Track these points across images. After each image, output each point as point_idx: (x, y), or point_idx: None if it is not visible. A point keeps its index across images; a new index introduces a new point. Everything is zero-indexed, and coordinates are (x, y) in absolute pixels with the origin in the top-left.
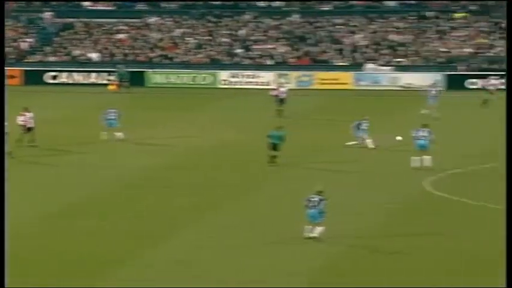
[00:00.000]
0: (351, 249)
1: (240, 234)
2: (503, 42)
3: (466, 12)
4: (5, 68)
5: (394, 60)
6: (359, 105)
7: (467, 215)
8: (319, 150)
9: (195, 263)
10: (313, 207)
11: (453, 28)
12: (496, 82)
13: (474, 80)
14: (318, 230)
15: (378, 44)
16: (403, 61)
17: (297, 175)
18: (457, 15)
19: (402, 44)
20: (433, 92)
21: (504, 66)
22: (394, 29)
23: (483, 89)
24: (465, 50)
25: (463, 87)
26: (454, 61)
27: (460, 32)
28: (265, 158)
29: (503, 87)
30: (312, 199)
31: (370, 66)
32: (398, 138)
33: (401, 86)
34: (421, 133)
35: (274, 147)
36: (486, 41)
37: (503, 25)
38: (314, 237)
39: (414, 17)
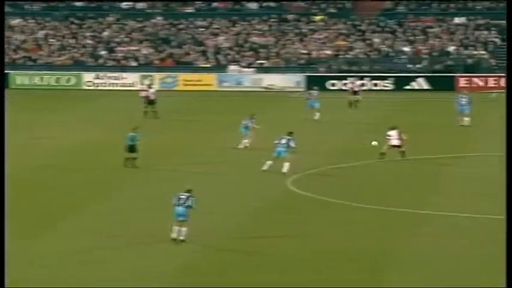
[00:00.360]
0: (213, 249)
1: (99, 236)
2: (362, 44)
3: (325, 15)
4: None
5: (257, 62)
6: (223, 106)
7: (330, 214)
8: (182, 152)
9: (56, 267)
10: (181, 205)
11: (313, 30)
12: (360, 83)
13: (334, 81)
14: (183, 232)
15: (240, 46)
16: (265, 63)
17: (160, 177)
18: (316, 18)
19: (264, 46)
20: (315, 94)
21: (364, 67)
22: (256, 32)
23: (350, 90)
24: (325, 51)
25: (324, 88)
26: (314, 63)
27: (320, 34)
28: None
29: (366, 88)
30: (181, 197)
31: (233, 67)
32: (374, 143)
33: (264, 87)
34: (283, 141)
35: (131, 148)
36: (345, 43)
37: (362, 27)
38: (182, 240)
39: (275, 20)
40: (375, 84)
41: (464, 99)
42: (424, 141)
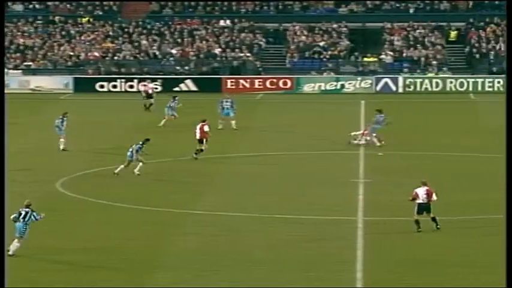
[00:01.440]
0: None
1: None
2: (129, 46)
3: (92, 17)
4: None
5: (23, 63)
6: None
7: (97, 215)
8: None
9: None
10: (19, 221)
11: (80, 32)
12: (153, 85)
13: (103, 83)
14: (15, 247)
15: (6, 48)
16: (32, 64)
17: None
18: (83, 20)
19: (30, 48)
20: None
21: (132, 69)
22: (22, 33)
23: (143, 93)
24: (93, 53)
25: (92, 90)
26: (82, 64)
27: (88, 36)
28: None
29: (135, 90)
30: (21, 212)
31: None
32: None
33: (31, 89)
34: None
35: None
36: (113, 45)
37: (129, 29)
38: (13, 255)
39: (42, 22)
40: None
41: (227, 103)
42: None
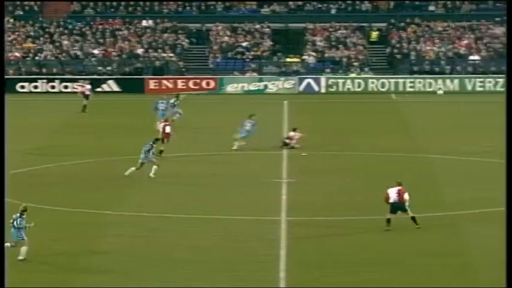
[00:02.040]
0: None
1: None
2: (51, 46)
3: (12, 17)
4: None
5: None
6: None
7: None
8: None
9: None
10: (14, 226)
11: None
12: (89, 87)
13: (24, 84)
14: (23, 251)
15: None
16: None
17: None
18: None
19: None
20: (163, 105)
21: (53, 70)
22: None
23: (80, 94)
24: (14, 54)
25: (14, 91)
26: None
27: (9, 36)
28: None
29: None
30: (13, 217)
31: None
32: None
33: None
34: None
35: None
36: (34, 45)
37: (50, 30)
38: (23, 259)
39: None
40: (66, 87)
41: (162, 104)
42: (120, 142)
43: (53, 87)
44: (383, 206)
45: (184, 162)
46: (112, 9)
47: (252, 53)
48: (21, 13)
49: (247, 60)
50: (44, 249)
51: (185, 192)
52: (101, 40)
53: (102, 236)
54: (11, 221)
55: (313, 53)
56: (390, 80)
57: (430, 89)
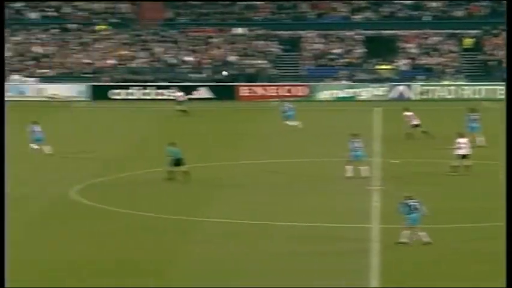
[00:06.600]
0: None
1: None
2: (144, 54)
3: (107, 25)
4: None
5: (39, 71)
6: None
7: (116, 223)
8: None
9: None
10: (415, 211)
11: (96, 40)
12: (181, 94)
13: (118, 91)
14: (424, 234)
15: (22, 56)
16: (48, 72)
17: None
18: (98, 27)
19: (46, 56)
20: (290, 106)
21: (147, 77)
22: (38, 41)
23: (175, 100)
24: (108, 61)
25: (107, 98)
26: (97, 72)
27: (103, 43)
28: None
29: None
30: (412, 204)
31: (15, 77)
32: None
33: (47, 97)
34: (356, 144)
35: (178, 162)
36: (128, 52)
37: (143, 37)
38: (427, 242)
39: (57, 29)
40: (159, 94)
41: (288, 106)
42: (207, 149)
43: (146, 94)
44: (482, 213)
45: (281, 168)
46: (205, 17)
47: (344, 60)
48: (116, 21)
49: (339, 67)
50: (128, 254)
51: (274, 199)
52: (194, 47)
53: (187, 242)
54: (413, 207)
55: (406, 60)
56: (483, 87)
57: None
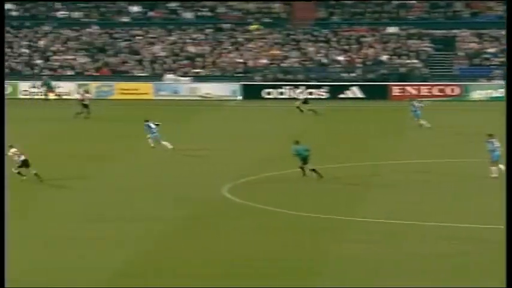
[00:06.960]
0: (147, 253)
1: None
2: (296, 53)
3: (260, 24)
4: None
5: (193, 70)
6: (158, 114)
7: (268, 222)
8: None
9: None
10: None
11: (248, 40)
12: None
13: (270, 90)
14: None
15: (176, 55)
16: (201, 72)
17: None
18: (251, 27)
19: (200, 55)
20: (420, 105)
21: (299, 76)
22: (192, 41)
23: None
24: (260, 60)
25: (259, 97)
26: (250, 71)
27: (255, 43)
28: None
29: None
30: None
31: (169, 76)
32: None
33: (200, 96)
34: (496, 144)
35: (305, 159)
36: (280, 52)
37: (295, 37)
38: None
39: (211, 29)
40: (310, 93)
41: (417, 105)
42: (360, 148)
43: (297, 93)
44: None
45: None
46: (358, 17)
47: (498, 59)
48: (269, 20)
49: (493, 66)
50: (274, 253)
51: (424, 198)
52: (346, 47)
53: (339, 241)
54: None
55: None
56: None
57: None
